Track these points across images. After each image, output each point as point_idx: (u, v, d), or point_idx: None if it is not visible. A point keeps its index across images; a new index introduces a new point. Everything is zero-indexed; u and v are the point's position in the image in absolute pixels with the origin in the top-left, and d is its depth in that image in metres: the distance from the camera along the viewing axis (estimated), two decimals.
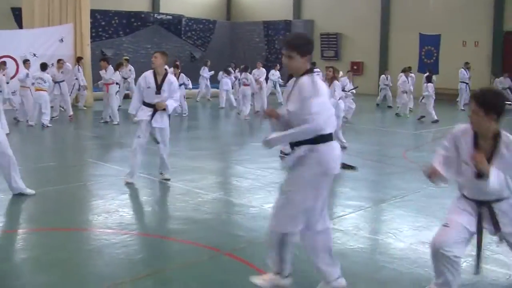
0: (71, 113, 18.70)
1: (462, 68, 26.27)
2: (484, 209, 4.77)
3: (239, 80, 22.91)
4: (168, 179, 9.63)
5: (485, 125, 4.46)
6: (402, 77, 22.28)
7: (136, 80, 14.98)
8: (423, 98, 19.85)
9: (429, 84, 19.97)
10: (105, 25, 31.51)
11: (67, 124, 17.82)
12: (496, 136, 4.52)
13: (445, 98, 28.39)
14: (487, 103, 4.40)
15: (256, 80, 20.94)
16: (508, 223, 4.75)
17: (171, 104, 9.18)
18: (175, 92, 9.34)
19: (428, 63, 31.12)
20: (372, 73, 34.18)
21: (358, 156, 12.30)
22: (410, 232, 7.03)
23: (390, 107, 25.66)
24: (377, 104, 26.69)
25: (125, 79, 22.29)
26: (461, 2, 30.30)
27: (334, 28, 35.51)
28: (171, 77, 9.46)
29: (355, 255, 6.17)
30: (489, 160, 4.51)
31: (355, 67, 34.95)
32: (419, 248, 6.38)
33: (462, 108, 25.01)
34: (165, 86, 9.15)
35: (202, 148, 13.92)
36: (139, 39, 33.26)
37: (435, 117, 19.44)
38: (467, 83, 25.79)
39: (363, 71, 35.23)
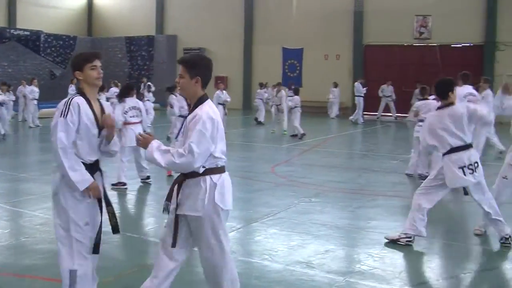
0: None
1: (359, 82, 26.96)
2: None
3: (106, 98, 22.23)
4: None
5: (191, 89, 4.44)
6: (282, 92, 21.52)
7: None
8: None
9: (295, 97, 20.07)
10: None
11: None
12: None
13: (309, 110, 29.00)
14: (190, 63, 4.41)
15: None
16: None
17: None
18: None
19: (292, 77, 31.75)
20: (237, 87, 34.29)
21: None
22: (286, 252, 6.79)
23: (260, 122, 25.52)
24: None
25: None
26: (322, 16, 31.20)
27: (197, 43, 35.35)
28: None
29: None
30: None
31: (219, 82, 34.89)
32: (296, 269, 6.14)
33: (333, 117, 25.65)
34: None
35: None
36: None
37: (302, 131, 19.53)
38: (363, 97, 26.42)
39: (228, 85, 35.25)
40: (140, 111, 10.87)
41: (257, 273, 6.08)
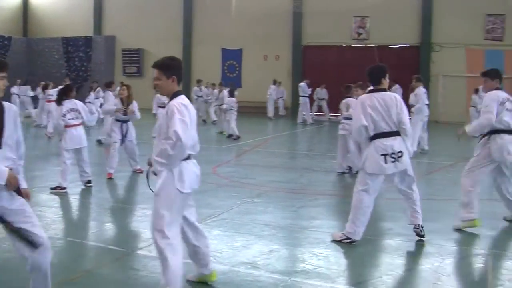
0: None
1: (305, 82, 27.07)
2: None
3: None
4: None
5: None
6: (224, 92, 21.33)
7: None
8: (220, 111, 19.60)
9: (230, 98, 19.89)
10: None
11: None
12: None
13: (249, 111, 29.11)
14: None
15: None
16: None
17: None
18: None
19: (231, 77, 31.77)
20: None
21: None
22: (230, 253, 6.74)
23: (204, 121, 25.50)
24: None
25: None
26: (261, 17, 31.32)
27: (136, 43, 35.00)
28: None
29: None
30: None
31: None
32: (241, 270, 6.12)
33: (270, 116, 25.74)
34: None
35: None
36: None
37: (237, 133, 19.32)
38: (308, 97, 26.56)
39: None
40: (80, 113, 10.62)
41: None
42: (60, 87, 13.14)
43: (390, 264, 6.53)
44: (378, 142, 6.94)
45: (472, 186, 7.82)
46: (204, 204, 9.57)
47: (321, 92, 28.43)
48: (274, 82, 29.36)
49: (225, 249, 6.90)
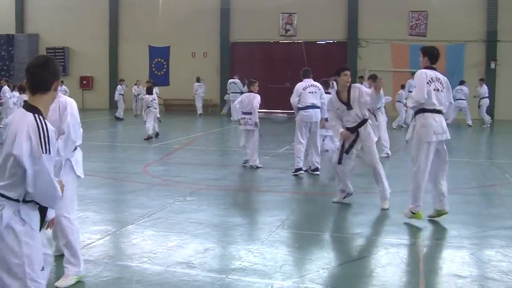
0: None
1: (237, 78, 26.86)
2: None
3: None
4: None
5: None
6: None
7: None
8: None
9: (146, 96, 19.17)
10: None
11: None
12: None
13: (177, 108, 28.98)
14: None
15: None
16: None
17: None
18: None
19: (159, 75, 31.49)
20: (103, 86, 33.52)
21: (96, 175, 11.56)
22: (165, 253, 6.63)
23: (121, 119, 25.39)
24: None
25: None
26: (189, 14, 31.14)
27: (60, 42, 34.12)
28: None
29: (111, 287, 5.60)
30: None
31: (84, 82, 34.02)
32: (177, 270, 6.03)
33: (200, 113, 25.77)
34: None
35: None
36: None
37: (150, 132, 18.41)
38: (240, 93, 26.41)
39: (93, 85, 34.38)
40: None
41: (137, 277, 5.88)
42: None
43: (327, 258, 6.57)
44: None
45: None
46: (136, 204, 9.44)
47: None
48: (198, 80, 29.24)
49: (160, 249, 6.78)
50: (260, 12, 30.29)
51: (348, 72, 9.03)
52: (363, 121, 8.90)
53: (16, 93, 19.04)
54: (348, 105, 8.86)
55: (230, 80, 27.59)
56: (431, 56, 7.94)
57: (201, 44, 31.63)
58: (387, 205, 8.74)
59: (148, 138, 18.15)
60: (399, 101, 22.81)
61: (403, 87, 23.61)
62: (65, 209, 5.51)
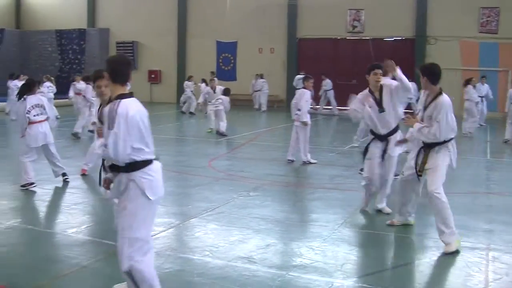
0: None
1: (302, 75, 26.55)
2: None
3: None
4: None
5: None
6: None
7: None
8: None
9: (224, 96, 19.25)
10: None
11: None
12: None
13: (243, 104, 29.09)
14: None
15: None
16: None
17: None
18: None
19: (226, 70, 31.70)
20: (171, 80, 33.99)
21: (162, 168, 11.66)
22: (227, 248, 6.69)
23: (192, 113, 25.71)
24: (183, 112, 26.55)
25: None
26: (256, 10, 31.22)
27: (130, 36, 34.84)
28: None
29: (172, 279, 5.68)
30: None
31: (152, 76, 34.58)
32: (238, 265, 6.07)
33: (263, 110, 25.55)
34: None
35: None
36: None
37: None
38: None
39: (161, 79, 34.92)
40: (44, 108, 10.17)
41: (199, 270, 5.95)
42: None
43: (389, 258, 6.49)
44: None
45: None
46: (200, 198, 9.55)
47: (327, 83, 28.16)
48: (262, 76, 29.37)
49: (222, 244, 6.84)
50: (327, 8, 30.13)
51: (379, 71, 8.31)
52: (395, 129, 8.33)
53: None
54: (381, 107, 8.24)
55: (297, 76, 27.51)
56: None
57: (268, 40, 31.69)
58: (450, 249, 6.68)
59: (221, 134, 18.19)
60: (468, 99, 21.33)
61: (468, 83, 21.85)
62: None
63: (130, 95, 4.62)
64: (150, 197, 4.59)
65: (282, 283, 5.60)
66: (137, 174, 4.55)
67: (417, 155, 6.86)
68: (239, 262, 6.16)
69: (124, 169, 4.54)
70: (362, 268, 6.13)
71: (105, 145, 4.41)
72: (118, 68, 4.64)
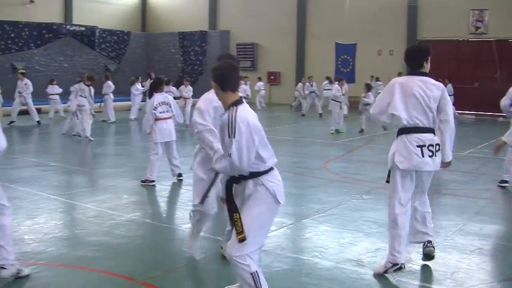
0: None
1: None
2: None
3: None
4: None
5: None
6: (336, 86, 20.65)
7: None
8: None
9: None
10: (15, 37, 30.40)
11: None
12: None
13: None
14: None
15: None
16: None
17: None
18: None
19: (345, 72, 31.57)
20: (289, 82, 34.32)
21: (278, 168, 11.86)
22: (336, 250, 6.76)
23: (303, 115, 25.95)
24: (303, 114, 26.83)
25: (20, 93, 21.08)
26: (375, 11, 30.93)
27: (250, 38, 35.53)
28: None
29: (280, 277, 5.83)
30: None
31: (272, 77, 35.05)
32: (346, 267, 6.12)
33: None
34: None
35: (114, 165, 13.33)
36: (51, 52, 32.33)
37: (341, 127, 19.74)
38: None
39: (280, 80, 35.32)
40: (170, 106, 10.74)
41: (307, 270, 6.08)
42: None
43: (503, 268, 6.29)
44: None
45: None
46: (313, 199, 9.68)
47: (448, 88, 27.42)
48: (377, 79, 29.04)
49: (332, 245, 6.93)
50: (448, 9, 29.30)
51: None
52: None
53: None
54: None
55: None
56: None
57: (388, 42, 31.29)
58: None
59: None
60: None
61: None
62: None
63: (242, 101, 4.57)
64: (280, 201, 4.58)
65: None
66: (265, 178, 4.55)
67: None
68: (348, 264, 6.22)
69: (249, 177, 4.53)
70: (473, 278, 5.98)
71: (228, 154, 4.31)
72: (227, 76, 4.56)
